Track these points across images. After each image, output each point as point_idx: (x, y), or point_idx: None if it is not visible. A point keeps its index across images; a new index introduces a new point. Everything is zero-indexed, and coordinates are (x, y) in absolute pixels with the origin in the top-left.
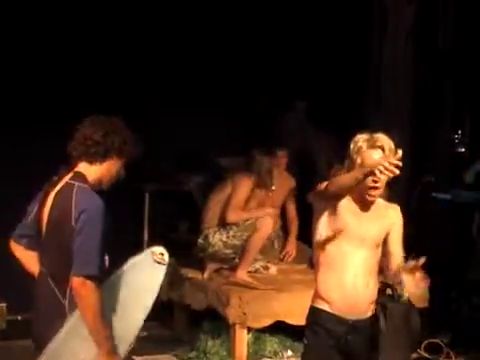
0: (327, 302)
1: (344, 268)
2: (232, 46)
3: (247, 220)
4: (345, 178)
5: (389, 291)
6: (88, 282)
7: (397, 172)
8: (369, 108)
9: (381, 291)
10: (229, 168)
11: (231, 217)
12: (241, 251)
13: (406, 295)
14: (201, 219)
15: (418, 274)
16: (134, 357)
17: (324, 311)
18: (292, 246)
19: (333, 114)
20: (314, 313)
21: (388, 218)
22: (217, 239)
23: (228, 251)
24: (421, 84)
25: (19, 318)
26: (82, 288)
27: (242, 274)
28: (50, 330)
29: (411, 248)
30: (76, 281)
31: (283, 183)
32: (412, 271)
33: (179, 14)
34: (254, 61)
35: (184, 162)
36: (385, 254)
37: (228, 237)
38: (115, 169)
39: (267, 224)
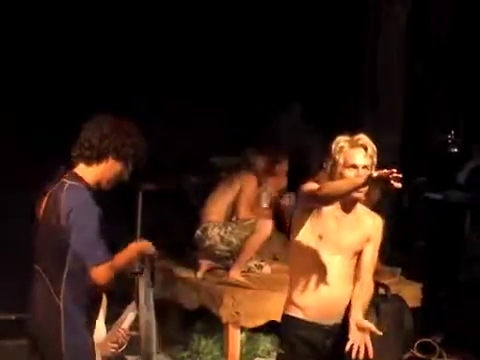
0: (301, 309)
1: (320, 274)
2: (229, 47)
3: (247, 220)
4: (343, 184)
5: (381, 291)
6: (102, 268)
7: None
8: (363, 108)
9: (374, 291)
10: (222, 168)
11: (243, 214)
12: (237, 251)
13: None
14: (203, 212)
15: (366, 335)
16: (127, 356)
17: (298, 319)
18: None
19: (327, 114)
20: (288, 322)
21: (367, 228)
22: (215, 233)
23: (223, 247)
24: (415, 85)
25: (13, 317)
26: (103, 276)
27: (235, 274)
28: (46, 330)
29: (403, 248)
30: (95, 273)
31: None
32: (363, 330)
33: (178, 15)
34: (249, 62)
35: (179, 162)
36: (357, 263)
37: (226, 232)
38: (113, 171)
39: (267, 226)
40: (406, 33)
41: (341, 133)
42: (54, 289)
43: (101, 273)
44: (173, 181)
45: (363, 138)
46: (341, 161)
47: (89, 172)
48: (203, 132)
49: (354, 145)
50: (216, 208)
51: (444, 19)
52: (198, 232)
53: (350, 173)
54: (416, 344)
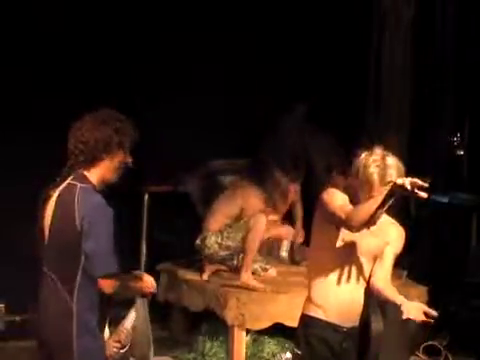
0: (322, 309)
1: (341, 276)
2: (231, 47)
3: (240, 219)
4: (369, 207)
5: None
6: (113, 280)
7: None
8: (368, 110)
9: None
10: (220, 171)
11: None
12: (237, 251)
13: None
14: (203, 221)
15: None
16: (132, 358)
17: (319, 319)
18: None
19: (332, 116)
20: (308, 322)
21: (388, 235)
22: (213, 241)
23: (223, 253)
24: (420, 87)
25: (17, 319)
26: (109, 286)
27: (247, 277)
28: (58, 333)
29: (410, 251)
30: (102, 283)
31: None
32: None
33: (179, 14)
34: (253, 62)
35: (183, 164)
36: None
37: (222, 239)
38: (114, 165)
39: (260, 221)
40: (411, 34)
41: (346, 135)
42: (67, 292)
43: (108, 284)
44: (178, 183)
45: (392, 173)
46: (366, 188)
47: (91, 174)
48: (204, 133)
49: (382, 181)
50: (215, 218)
51: (450, 20)
52: (197, 242)
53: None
54: (422, 347)
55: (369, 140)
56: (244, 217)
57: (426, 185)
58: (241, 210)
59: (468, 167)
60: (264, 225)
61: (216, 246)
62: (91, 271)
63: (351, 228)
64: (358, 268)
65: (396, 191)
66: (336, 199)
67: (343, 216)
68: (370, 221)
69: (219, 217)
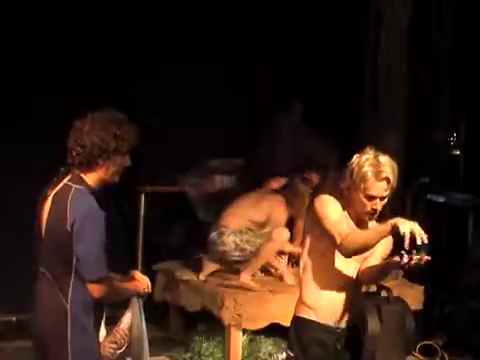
0: (314, 310)
1: (334, 277)
2: (229, 46)
3: (264, 227)
4: (368, 238)
5: (384, 293)
6: (102, 284)
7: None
8: (364, 109)
9: (375, 293)
10: (218, 170)
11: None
12: (249, 256)
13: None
14: (220, 217)
15: None
16: (127, 358)
17: (311, 321)
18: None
19: (328, 115)
20: (300, 324)
21: None
22: (231, 240)
23: (237, 254)
24: (417, 86)
25: (14, 319)
26: (98, 291)
27: (246, 278)
28: (52, 332)
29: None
30: (91, 287)
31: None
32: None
33: (177, 14)
34: (251, 62)
35: (179, 163)
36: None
37: (241, 240)
38: (111, 169)
39: (282, 235)
40: (407, 34)
41: (342, 135)
42: (61, 291)
43: (97, 289)
44: (175, 182)
45: (387, 168)
46: (361, 187)
47: (88, 177)
48: (202, 132)
49: (378, 177)
50: (236, 218)
51: (446, 20)
52: (213, 235)
53: (367, 202)
54: (418, 347)
55: (365, 140)
56: (267, 226)
57: (426, 241)
58: (267, 219)
59: (464, 167)
60: (285, 240)
61: (233, 245)
62: (81, 274)
63: (343, 254)
64: (349, 270)
65: (395, 234)
66: (330, 212)
67: (337, 239)
68: (362, 252)
69: (241, 218)
